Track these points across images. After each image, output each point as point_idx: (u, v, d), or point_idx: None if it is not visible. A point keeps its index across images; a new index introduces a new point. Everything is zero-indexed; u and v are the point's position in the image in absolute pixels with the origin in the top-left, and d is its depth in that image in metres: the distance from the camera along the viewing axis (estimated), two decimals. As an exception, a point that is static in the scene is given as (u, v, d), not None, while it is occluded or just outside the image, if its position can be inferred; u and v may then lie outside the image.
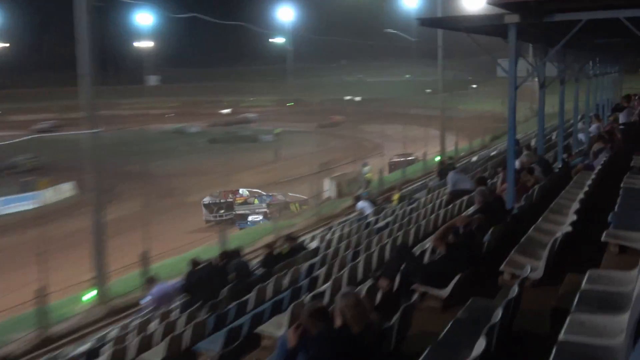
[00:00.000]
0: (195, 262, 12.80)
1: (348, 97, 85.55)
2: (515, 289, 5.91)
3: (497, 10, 10.61)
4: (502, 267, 7.72)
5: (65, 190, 37.89)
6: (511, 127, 11.63)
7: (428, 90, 58.74)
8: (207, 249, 19.04)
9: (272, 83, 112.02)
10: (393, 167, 38.50)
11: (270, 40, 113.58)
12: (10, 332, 14.94)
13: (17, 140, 25.23)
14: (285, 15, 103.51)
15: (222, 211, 29.73)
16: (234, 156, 25.60)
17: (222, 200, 30.41)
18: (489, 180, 15.00)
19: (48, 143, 16.78)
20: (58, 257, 17.78)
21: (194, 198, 36.53)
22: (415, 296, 7.58)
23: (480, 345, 4.64)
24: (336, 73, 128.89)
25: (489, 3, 10.22)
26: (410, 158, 37.73)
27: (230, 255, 13.36)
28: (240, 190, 31.61)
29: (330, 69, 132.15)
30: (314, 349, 4.99)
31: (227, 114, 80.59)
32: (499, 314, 5.36)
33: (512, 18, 10.18)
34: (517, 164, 12.60)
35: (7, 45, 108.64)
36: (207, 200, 30.78)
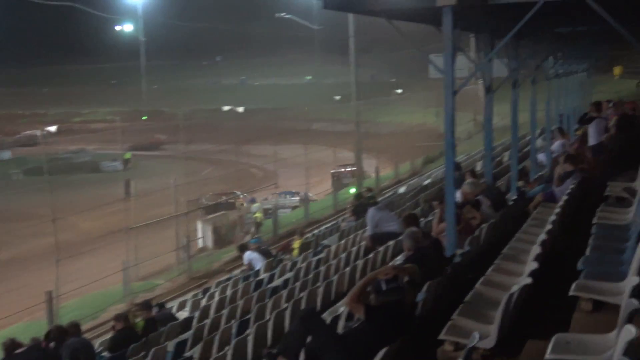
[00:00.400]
0: (10, 345, 12.40)
1: (227, 107, 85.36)
2: (460, 364, 6.04)
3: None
4: (442, 335, 7.83)
5: None
6: (449, 147, 11.71)
7: (337, 97, 59.26)
8: (31, 325, 18.49)
9: (118, 88, 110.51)
10: (336, 178, 38.49)
11: (116, 27, 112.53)
12: None
13: None
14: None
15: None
16: (66, 192, 24.92)
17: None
18: (421, 219, 15.07)
19: None
20: None
21: (6, 254, 35.32)
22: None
23: None
24: (209, 74, 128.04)
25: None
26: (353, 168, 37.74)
27: (64, 335, 13.02)
28: None
29: (201, 68, 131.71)
30: None
31: (52, 133, 78.21)
32: (441, 396, 5.48)
33: (448, 0, 10.39)
34: (458, 195, 12.76)
35: None
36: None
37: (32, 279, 26.87)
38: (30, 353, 12.16)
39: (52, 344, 12.74)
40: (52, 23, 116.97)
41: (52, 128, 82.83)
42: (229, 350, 10.14)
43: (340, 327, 8.60)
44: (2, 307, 22.67)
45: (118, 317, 14.82)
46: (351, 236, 19.12)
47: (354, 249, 16.27)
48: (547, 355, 5.69)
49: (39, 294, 21.10)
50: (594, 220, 9.82)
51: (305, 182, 35.54)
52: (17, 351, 12.17)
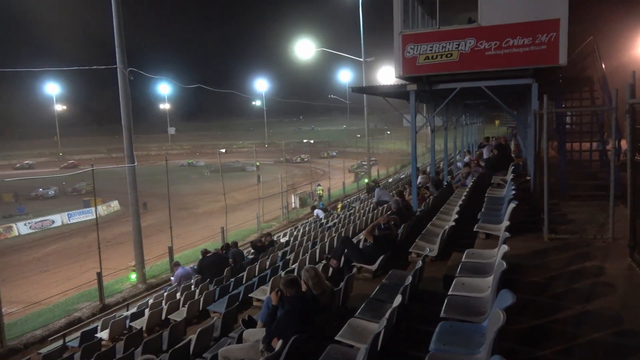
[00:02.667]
0: (205, 252, 12.64)
1: (305, 140, 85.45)
2: (419, 263, 6.05)
3: (402, 81, 10.82)
4: (410, 249, 7.86)
5: (112, 206, 36.86)
6: (413, 159, 11.79)
7: (358, 135, 59.13)
8: (212, 243, 18.75)
9: (254, 132, 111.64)
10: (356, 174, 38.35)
11: (252, 102, 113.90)
12: (78, 303, 14.45)
13: (78, 172, 24.43)
14: (262, 85, 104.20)
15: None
16: (228, 181, 25.31)
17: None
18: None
19: (100, 173, 16.41)
20: (110, 251, 17.30)
21: (202, 210, 36.02)
22: (354, 270, 7.68)
23: (397, 300, 4.73)
24: (296, 124, 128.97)
25: (397, 77, 10.41)
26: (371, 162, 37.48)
27: (230, 247, 13.23)
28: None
29: (292, 122, 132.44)
30: (289, 306, 5.02)
31: (223, 153, 79.50)
32: (409, 279, 5.48)
33: (412, 87, 10.44)
34: (418, 182, 12.82)
35: (65, 107, 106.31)
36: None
37: (213, 222, 27.32)
38: (214, 255, 12.43)
39: (223, 252, 12.97)
40: (222, 100, 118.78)
41: (223, 150, 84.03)
42: (307, 256, 10.25)
43: (361, 245, 8.61)
44: (200, 235, 23.09)
45: (260, 237, 15.09)
46: (365, 202, 19.15)
47: (367, 208, 16.31)
48: (463, 260, 5.73)
49: (217, 229, 21.43)
50: (486, 195, 9.75)
51: (342, 176, 35.71)
52: (207, 254, 12.44)
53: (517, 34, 9.08)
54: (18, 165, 77.57)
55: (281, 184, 28.40)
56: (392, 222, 8.77)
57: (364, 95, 30.67)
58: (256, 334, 5.35)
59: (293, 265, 10.16)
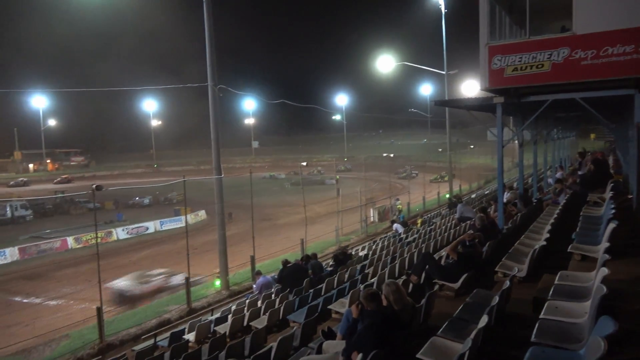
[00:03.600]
0: (285, 262, 12.91)
1: (385, 154, 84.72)
2: (507, 283, 5.76)
3: (487, 94, 10.46)
4: (497, 269, 7.49)
5: (200, 215, 38.87)
6: (499, 174, 11.27)
7: (439, 150, 57.66)
8: (292, 254, 19.08)
9: (333, 145, 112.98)
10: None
11: (333, 117, 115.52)
12: (167, 305, 15.35)
13: (171, 182, 26.13)
14: (342, 100, 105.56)
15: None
16: (308, 193, 25.82)
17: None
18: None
19: (189, 184, 17.51)
20: (196, 258, 18.22)
21: (282, 221, 36.97)
22: (436, 287, 7.47)
23: (483, 320, 4.54)
24: (375, 139, 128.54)
25: (482, 89, 10.06)
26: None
27: (309, 258, 13.41)
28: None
29: (371, 136, 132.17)
30: (369, 320, 4.98)
31: (304, 166, 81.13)
32: (496, 300, 5.24)
33: (499, 99, 10.03)
34: (504, 198, 12.23)
35: (160, 122, 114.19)
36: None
37: (292, 233, 27.89)
38: (294, 266, 12.64)
39: (303, 263, 13.15)
40: (304, 115, 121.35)
41: (304, 163, 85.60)
42: (386, 270, 10.12)
43: (442, 262, 8.36)
44: (280, 245, 23.62)
45: (339, 249, 15.17)
46: (446, 218, 18.56)
47: (448, 224, 15.80)
48: (555, 282, 5.40)
49: (296, 240, 21.83)
50: (581, 214, 9.09)
51: (423, 191, 34.93)
52: (288, 265, 12.69)
53: (617, 41, 8.43)
54: (12, 182, 73.56)
55: (360, 198, 28.37)
56: (477, 240, 8.44)
57: (446, 108, 29.92)
58: (336, 346, 5.36)
59: (372, 280, 10.08)
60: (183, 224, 36.35)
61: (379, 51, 37.72)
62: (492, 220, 10.14)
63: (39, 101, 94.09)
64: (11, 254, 27.73)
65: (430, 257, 8.27)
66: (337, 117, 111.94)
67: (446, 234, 13.47)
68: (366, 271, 11.50)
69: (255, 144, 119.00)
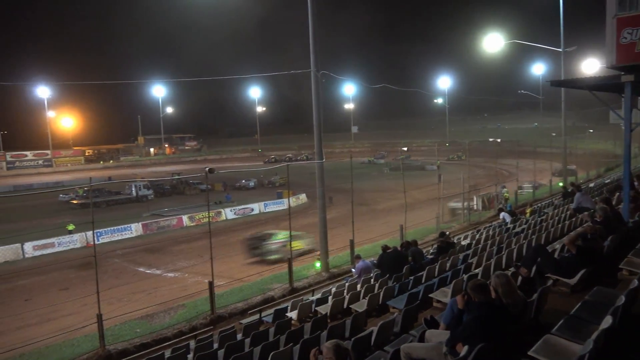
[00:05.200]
0: (385, 247, 12.83)
1: (491, 139, 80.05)
2: (634, 282, 5.20)
3: (613, 72, 9.40)
4: (621, 265, 6.80)
5: (301, 198, 40.08)
6: (626, 161, 10.11)
7: (553, 134, 53.05)
8: (391, 240, 18.95)
9: (435, 130, 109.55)
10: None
11: (434, 100, 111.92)
12: (271, 283, 16.11)
13: (274, 167, 27.24)
14: (444, 82, 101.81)
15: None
16: (407, 179, 25.31)
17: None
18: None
19: (291, 168, 18.10)
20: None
21: (381, 206, 36.84)
22: (549, 282, 6.97)
23: (607, 321, 4.16)
24: (480, 122, 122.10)
25: (608, 67, 9.07)
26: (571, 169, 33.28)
27: (409, 244, 13.22)
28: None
29: (476, 120, 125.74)
30: (476, 312, 4.79)
31: (404, 151, 79.65)
32: (622, 299, 4.76)
33: (628, 77, 8.97)
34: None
35: (264, 108, 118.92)
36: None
37: (391, 218, 27.65)
38: (394, 252, 12.51)
39: (403, 249, 13.00)
40: (405, 98, 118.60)
41: (405, 148, 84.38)
42: (492, 261, 9.64)
43: (556, 255, 7.76)
44: (379, 230, 23.52)
45: (445, 235, 14.76)
46: (560, 208, 17.14)
47: (562, 215, 14.58)
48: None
49: (395, 226, 21.59)
50: None
51: (533, 179, 32.54)
52: (388, 250, 12.61)
53: None
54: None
55: (463, 185, 27.26)
56: (598, 233, 7.72)
57: (562, 89, 27.47)
58: (439, 336, 5.23)
59: (476, 270, 9.66)
60: (285, 207, 37.88)
61: (485, 29, 35.62)
62: (616, 212, 9.17)
63: (158, 90, 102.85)
64: (136, 229, 30.85)
65: (543, 249, 7.71)
66: (439, 100, 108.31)
67: (560, 225, 12.45)
68: (469, 261, 11.05)
69: (354, 129, 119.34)
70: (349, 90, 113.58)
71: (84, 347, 11.57)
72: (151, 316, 13.70)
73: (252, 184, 51.58)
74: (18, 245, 25.83)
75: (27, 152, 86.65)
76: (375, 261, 13.16)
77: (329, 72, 18.84)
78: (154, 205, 40.91)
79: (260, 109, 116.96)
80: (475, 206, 27.80)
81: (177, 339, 11.68)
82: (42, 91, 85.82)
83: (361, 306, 9.44)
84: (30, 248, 26.14)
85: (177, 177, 47.33)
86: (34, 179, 70.89)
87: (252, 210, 37.53)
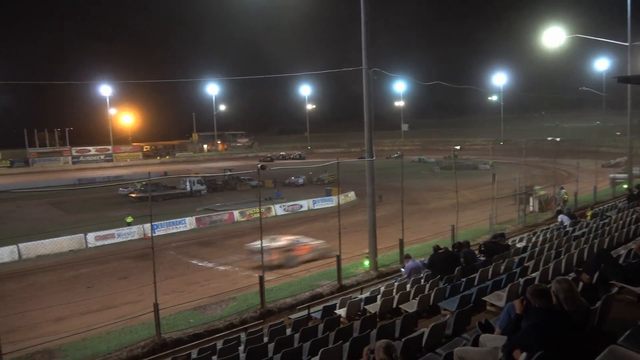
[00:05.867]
0: (436, 247, 12.56)
1: (549, 138, 76.25)
2: None
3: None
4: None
5: (350, 196, 40.03)
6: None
7: (618, 133, 49.95)
8: (441, 240, 18.55)
9: (488, 128, 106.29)
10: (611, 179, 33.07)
11: (489, 98, 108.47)
12: (320, 280, 16.19)
13: (323, 164, 27.37)
14: (499, 79, 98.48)
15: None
16: (459, 178, 24.69)
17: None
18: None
19: (340, 166, 18.10)
20: (345, 237, 18.73)
21: (431, 206, 36.17)
22: (614, 290, 6.59)
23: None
24: (537, 120, 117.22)
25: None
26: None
27: (461, 245, 12.90)
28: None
29: (532, 118, 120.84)
30: (536, 318, 4.60)
31: (457, 150, 77.63)
32: (699, 311, 4.41)
33: None
34: None
35: (314, 106, 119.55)
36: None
37: (441, 218, 27.08)
38: (445, 252, 12.24)
39: (455, 250, 12.70)
40: (457, 96, 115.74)
41: (457, 147, 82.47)
42: (550, 266, 9.23)
43: (621, 261, 7.32)
44: (429, 230, 23.15)
45: (495, 236, 14.29)
46: (625, 212, 16.18)
47: (628, 219, 13.75)
48: None
49: (446, 226, 21.15)
50: None
51: (594, 179, 30.87)
52: (439, 250, 12.35)
53: None
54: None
55: (518, 185, 26.25)
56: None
57: (628, 85, 25.86)
58: (494, 341, 5.08)
59: (533, 274, 9.30)
60: (334, 204, 37.98)
61: (545, 23, 34.09)
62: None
63: (212, 89, 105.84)
64: (190, 222, 31.86)
65: (607, 254, 7.32)
66: (494, 97, 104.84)
67: (624, 230, 11.75)
68: (525, 264, 10.65)
69: (404, 127, 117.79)
70: (400, 87, 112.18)
71: (141, 334, 12.08)
72: (204, 307, 14.11)
73: (301, 180, 52.06)
74: (82, 235, 27.32)
75: (90, 148, 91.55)
76: (425, 261, 12.94)
77: (380, 69, 18.68)
78: (207, 200, 42.13)
79: (310, 106, 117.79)
80: (531, 207, 26.69)
81: (228, 331, 11.96)
82: (105, 90, 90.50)
83: (411, 306, 9.31)
84: (92, 238, 27.58)
85: (229, 173, 48.48)
86: (97, 173, 74.68)
87: (301, 206, 37.86)
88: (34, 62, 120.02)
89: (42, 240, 25.54)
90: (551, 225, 19.51)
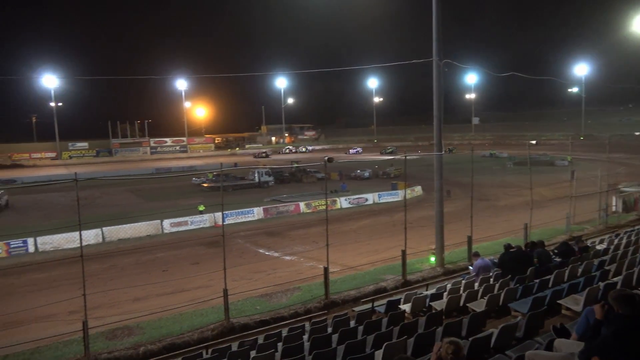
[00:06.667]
0: (508, 246, 12.05)
1: (637, 133, 70.25)
2: None
3: None
4: None
5: (416, 190, 39.35)
6: None
7: None
8: (512, 239, 17.78)
9: (566, 122, 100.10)
10: None
11: (568, 89, 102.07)
12: (384, 274, 16.09)
13: (390, 158, 27.09)
14: (581, 70, 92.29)
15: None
16: (533, 175, 23.46)
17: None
18: None
19: (408, 160, 17.82)
20: (411, 232, 18.44)
21: (502, 203, 34.73)
22: None
23: None
24: (622, 114, 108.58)
25: None
26: None
27: (535, 245, 12.28)
28: None
29: (617, 111, 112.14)
30: (618, 325, 4.28)
31: (532, 145, 73.72)
32: None
33: None
34: None
35: (381, 99, 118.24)
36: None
37: (513, 216, 25.94)
38: (517, 252, 11.69)
39: (528, 249, 12.12)
40: (534, 88, 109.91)
41: (533, 142, 78.40)
42: (635, 271, 8.56)
43: None
44: (499, 228, 22.24)
45: (573, 238, 13.48)
46: None
47: None
48: None
49: (518, 224, 20.21)
50: None
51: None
52: (510, 249, 11.84)
53: None
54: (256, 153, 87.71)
55: (600, 183, 24.54)
56: None
57: None
58: (570, 346, 4.80)
59: (614, 278, 8.68)
60: (399, 198, 37.54)
61: (635, 8, 31.42)
62: None
63: (281, 82, 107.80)
64: (257, 212, 32.77)
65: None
66: (574, 89, 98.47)
67: None
68: (606, 268, 9.95)
69: (475, 120, 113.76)
70: (471, 79, 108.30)
71: (211, 317, 12.63)
72: (269, 295, 14.49)
73: (367, 174, 51.86)
74: (158, 221, 28.95)
75: (167, 139, 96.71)
76: (495, 260, 12.47)
77: (451, 60, 18.10)
78: (274, 191, 43.11)
79: (377, 99, 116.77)
80: (614, 207, 24.87)
81: (293, 320, 12.21)
82: (181, 84, 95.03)
83: (479, 306, 9.02)
84: (167, 225, 29.14)
85: (296, 165, 49.28)
86: (172, 163, 78.76)
87: (366, 200, 37.73)
88: (118, 59, 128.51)
89: (123, 225, 27.40)
90: (637, 227, 18.10)
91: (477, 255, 12.95)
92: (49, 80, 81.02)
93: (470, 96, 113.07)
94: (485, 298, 9.15)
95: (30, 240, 24.97)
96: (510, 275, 10.79)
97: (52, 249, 24.79)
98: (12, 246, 24.51)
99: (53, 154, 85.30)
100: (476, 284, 10.99)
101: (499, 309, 9.04)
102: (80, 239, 11.41)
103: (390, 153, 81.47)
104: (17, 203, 39.97)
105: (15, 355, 10.72)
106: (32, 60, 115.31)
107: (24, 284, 19.92)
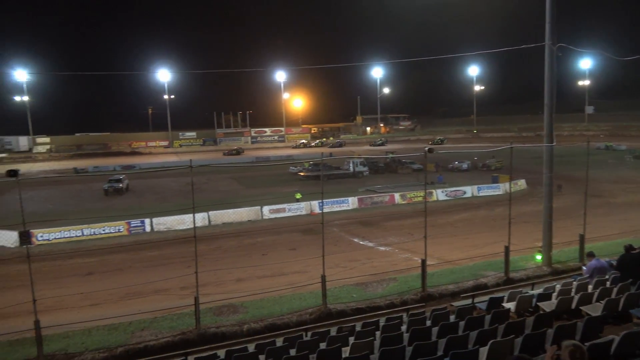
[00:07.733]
0: (629, 247, 10.94)
1: None
2: None
3: None
4: None
5: (519, 184, 37.15)
6: None
7: None
8: (635, 240, 16.11)
9: None
10: None
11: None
12: (484, 270, 15.44)
13: (495, 148, 25.78)
14: None
15: None
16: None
17: None
18: None
19: (508, 151, 16.71)
20: (513, 228, 17.45)
21: (619, 200, 31.59)
22: None
23: None
24: None
25: None
26: None
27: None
28: None
29: None
30: None
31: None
32: None
33: None
34: None
35: (482, 87, 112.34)
36: None
37: (632, 215, 23.51)
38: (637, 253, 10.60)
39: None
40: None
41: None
42: None
43: None
44: (616, 227, 20.30)
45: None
46: None
47: None
48: None
49: (637, 224, 18.29)
50: None
51: None
52: (632, 251, 10.75)
53: None
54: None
55: None
56: None
57: None
58: None
59: None
60: (500, 192, 35.73)
61: None
62: None
63: (377, 72, 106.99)
64: (352, 202, 33.05)
65: None
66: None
67: None
68: None
69: (589, 110, 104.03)
70: (585, 64, 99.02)
71: (309, 302, 13.02)
72: (365, 284, 14.59)
73: (465, 166, 49.92)
74: (258, 207, 30.35)
75: (266, 129, 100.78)
76: (612, 262, 11.42)
77: (566, 44, 16.69)
78: (369, 182, 43.13)
79: (478, 87, 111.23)
80: None
81: (389, 310, 12.19)
82: (280, 76, 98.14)
83: (594, 310, 8.35)
84: (267, 211, 30.45)
85: (391, 155, 48.80)
86: (271, 152, 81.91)
87: (464, 193, 36.34)
88: (223, 54, 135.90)
89: (227, 210, 29.19)
90: None
91: (591, 255, 11.92)
92: (163, 75, 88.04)
93: (584, 83, 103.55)
94: (602, 302, 8.45)
95: (147, 221, 27.53)
96: (631, 280, 9.82)
97: (165, 229, 27.17)
98: (132, 225, 27.22)
99: (165, 143, 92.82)
100: (590, 287, 10.15)
101: (618, 315, 8.28)
102: (194, 221, 12.35)
103: (381, 145, 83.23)
104: (136, 187, 44.14)
105: (138, 322, 11.95)
106: (151, 56, 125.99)
107: (141, 259, 22.07)
